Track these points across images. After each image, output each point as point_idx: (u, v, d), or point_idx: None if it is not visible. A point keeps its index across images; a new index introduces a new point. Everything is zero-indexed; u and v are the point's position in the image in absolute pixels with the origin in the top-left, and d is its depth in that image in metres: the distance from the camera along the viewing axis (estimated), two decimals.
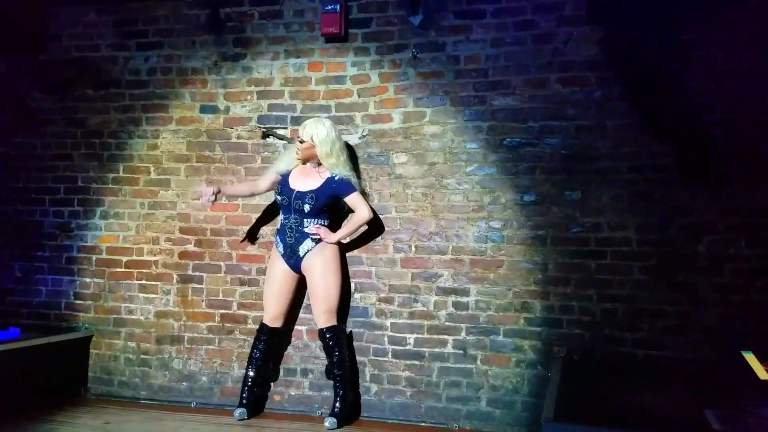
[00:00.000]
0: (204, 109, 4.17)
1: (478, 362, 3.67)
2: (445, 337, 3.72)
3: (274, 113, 4.03)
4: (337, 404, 3.64)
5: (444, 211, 3.76)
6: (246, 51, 4.10)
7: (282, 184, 3.73)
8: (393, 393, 3.79)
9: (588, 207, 3.55)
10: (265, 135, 4.03)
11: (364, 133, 3.90)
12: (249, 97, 4.09)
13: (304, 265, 3.69)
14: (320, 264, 3.67)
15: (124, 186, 4.29)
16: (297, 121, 3.98)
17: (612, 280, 3.50)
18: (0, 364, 3.67)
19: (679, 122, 3.44)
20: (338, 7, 3.83)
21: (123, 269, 4.26)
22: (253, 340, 3.82)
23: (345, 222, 3.82)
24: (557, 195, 3.59)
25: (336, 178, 3.63)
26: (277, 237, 3.78)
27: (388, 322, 3.82)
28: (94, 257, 4.32)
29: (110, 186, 4.32)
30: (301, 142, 3.64)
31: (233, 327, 4.05)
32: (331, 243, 3.70)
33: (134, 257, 4.24)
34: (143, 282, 4.22)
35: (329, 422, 3.58)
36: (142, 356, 4.20)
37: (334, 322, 3.70)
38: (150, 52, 4.26)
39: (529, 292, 3.62)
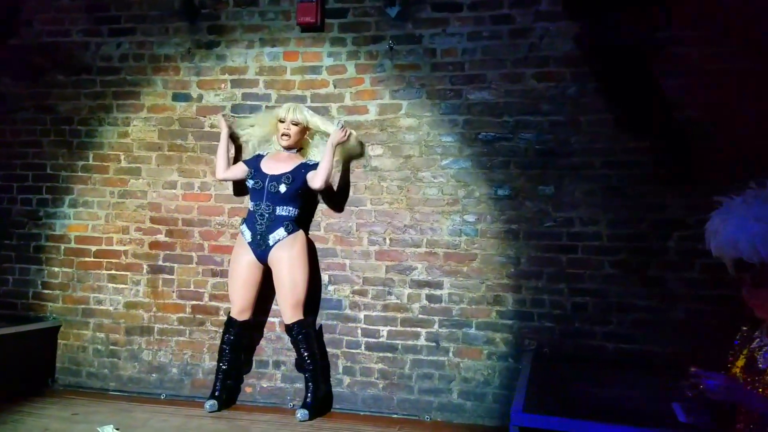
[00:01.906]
0: (176, 97, 4.10)
1: (451, 354, 3.68)
2: (419, 329, 3.73)
3: (249, 102, 3.99)
4: (309, 396, 3.63)
5: (419, 204, 3.76)
6: (220, 39, 4.05)
7: (254, 169, 3.69)
8: (366, 385, 3.79)
9: (561, 202, 3.57)
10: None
11: (340, 125, 3.87)
12: (223, 85, 4.04)
13: (272, 256, 3.62)
14: (288, 256, 3.60)
15: (93, 174, 4.21)
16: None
17: (583, 274, 3.53)
18: None
19: (652, 119, 3.48)
20: None
21: (92, 259, 4.19)
22: (222, 334, 3.77)
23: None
24: (531, 189, 3.62)
25: (310, 163, 3.69)
26: (245, 225, 3.70)
27: (361, 315, 3.82)
28: (62, 246, 4.25)
29: (80, 174, 4.24)
30: (296, 124, 3.66)
31: (204, 318, 4.02)
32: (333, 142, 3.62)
33: (103, 247, 4.18)
34: (113, 272, 4.15)
35: (301, 414, 3.56)
36: (111, 347, 4.14)
37: (301, 316, 3.64)
38: (122, 38, 4.18)
39: (502, 286, 3.64)
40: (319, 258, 3.88)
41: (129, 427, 3.39)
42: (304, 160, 3.71)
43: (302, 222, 3.76)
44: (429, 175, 3.75)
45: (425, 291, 3.73)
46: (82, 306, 4.20)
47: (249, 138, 3.88)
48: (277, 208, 3.62)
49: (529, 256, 3.61)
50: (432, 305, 3.72)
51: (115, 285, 4.15)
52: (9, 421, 3.42)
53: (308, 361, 3.63)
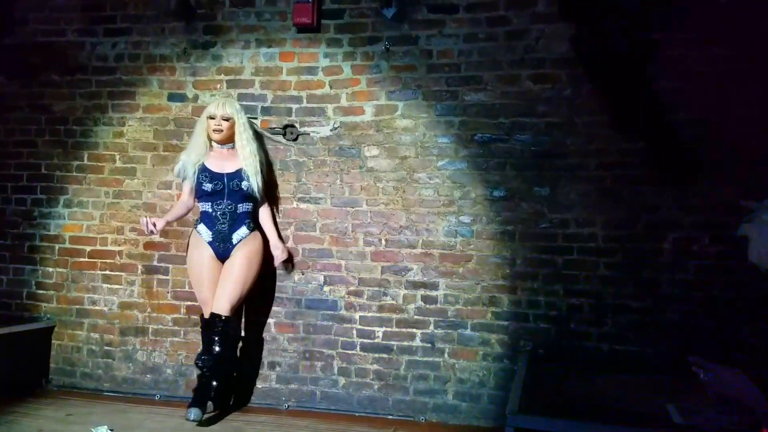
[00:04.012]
0: (172, 97, 4.09)
1: (446, 355, 3.68)
2: (414, 330, 3.73)
3: (244, 103, 3.97)
4: (202, 395, 3.45)
5: (415, 205, 3.76)
6: (216, 39, 4.04)
7: (205, 173, 3.63)
8: (361, 386, 3.79)
9: (556, 203, 3.58)
10: None
11: (336, 126, 3.87)
12: (219, 86, 4.04)
13: (232, 254, 3.61)
14: (246, 253, 3.60)
15: (88, 174, 4.20)
16: (268, 111, 3.95)
17: (578, 276, 3.54)
18: None
19: (646, 121, 3.49)
20: None
21: (87, 259, 4.17)
22: (202, 338, 3.61)
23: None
24: (526, 191, 3.62)
25: (246, 169, 3.67)
26: (202, 226, 3.63)
27: (357, 316, 3.82)
28: (57, 246, 4.23)
29: (74, 174, 4.22)
30: (227, 119, 3.64)
31: (199, 319, 4.00)
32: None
33: (98, 247, 4.16)
34: (107, 272, 4.14)
35: (194, 414, 3.36)
36: (106, 348, 4.13)
37: (231, 313, 3.53)
38: (118, 38, 4.17)
39: (497, 287, 3.65)
40: (314, 259, 3.88)
41: (124, 428, 3.38)
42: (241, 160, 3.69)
43: (254, 219, 3.74)
44: (425, 176, 3.76)
45: (421, 292, 3.74)
46: (77, 306, 4.18)
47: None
48: (239, 205, 3.63)
49: (524, 258, 3.62)
50: (427, 306, 3.72)
51: (109, 285, 4.14)
52: (3, 421, 3.40)
53: (215, 360, 3.48)
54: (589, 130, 3.55)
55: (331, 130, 3.88)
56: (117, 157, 4.16)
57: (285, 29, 3.94)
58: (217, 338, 3.51)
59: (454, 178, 3.72)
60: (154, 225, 3.50)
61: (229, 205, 3.61)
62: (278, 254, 3.74)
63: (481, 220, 3.68)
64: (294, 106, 3.92)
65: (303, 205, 3.91)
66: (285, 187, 3.93)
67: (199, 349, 3.60)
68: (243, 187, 3.61)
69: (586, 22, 3.56)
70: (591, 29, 3.55)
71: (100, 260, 4.15)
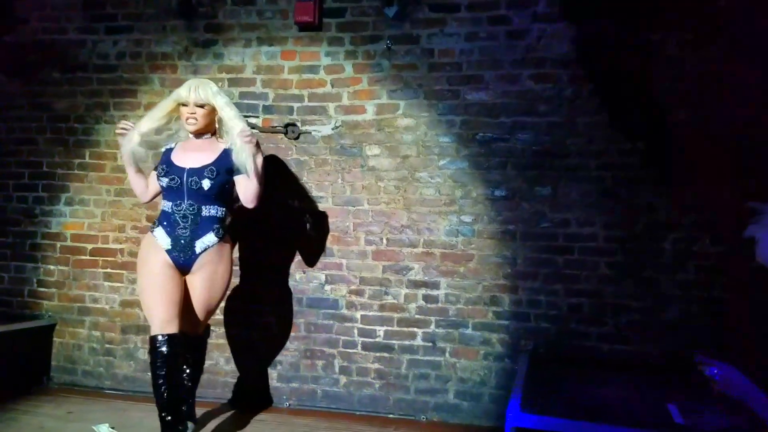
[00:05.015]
0: None
1: (447, 355, 3.69)
2: (415, 329, 3.74)
3: (246, 101, 3.98)
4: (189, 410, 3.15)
5: (416, 204, 3.77)
6: (217, 37, 4.04)
7: (166, 164, 3.07)
8: (362, 385, 3.79)
9: (557, 203, 3.59)
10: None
11: (337, 125, 3.87)
12: (220, 84, 4.01)
13: (197, 265, 3.02)
14: (214, 268, 3.04)
15: (90, 172, 4.20)
16: (269, 110, 3.95)
17: (579, 275, 3.55)
18: None
19: (646, 121, 3.50)
20: None
21: (88, 257, 4.18)
22: (150, 362, 2.93)
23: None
24: (527, 190, 3.63)
25: (233, 151, 3.06)
26: (160, 229, 3.03)
27: (358, 315, 3.82)
28: (58, 244, 4.23)
29: (76, 172, 4.22)
30: (201, 107, 3.04)
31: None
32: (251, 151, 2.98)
33: (99, 245, 4.17)
34: (108, 270, 4.14)
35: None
36: (107, 345, 4.13)
37: (202, 331, 3.23)
38: (119, 36, 4.17)
39: (498, 286, 3.65)
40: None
41: (124, 426, 3.39)
42: (226, 146, 3.09)
43: (225, 224, 3.15)
44: (426, 175, 3.76)
45: (422, 291, 3.74)
46: (78, 304, 4.19)
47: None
48: (203, 208, 3.02)
49: (525, 257, 3.62)
50: (429, 305, 3.73)
51: (110, 283, 4.14)
52: (4, 419, 3.42)
53: (195, 376, 3.19)
54: (590, 130, 3.55)
55: (332, 129, 3.88)
56: (118, 155, 4.14)
57: (286, 28, 3.94)
58: (189, 360, 3.07)
59: (455, 178, 3.72)
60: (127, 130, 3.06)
61: (190, 206, 3.00)
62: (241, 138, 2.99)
63: (482, 219, 3.68)
64: (295, 105, 3.92)
65: None
66: (286, 186, 3.93)
67: (161, 386, 2.90)
68: (204, 186, 2.98)
69: (587, 22, 3.56)
70: (592, 29, 3.55)
71: (101, 258, 4.16)
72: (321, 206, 3.88)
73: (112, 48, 4.18)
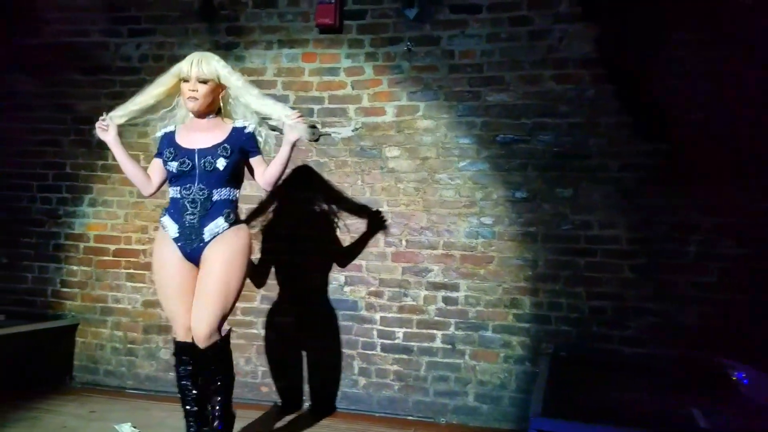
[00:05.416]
0: None
1: (467, 357, 3.67)
2: (434, 331, 3.73)
3: None
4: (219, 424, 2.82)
5: (435, 206, 3.75)
6: (239, 40, 4.06)
7: (173, 147, 2.84)
8: (381, 386, 3.79)
9: (579, 205, 3.55)
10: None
11: (357, 126, 3.88)
12: None
13: (206, 254, 2.77)
14: (226, 254, 2.75)
15: (113, 174, 4.24)
16: None
17: (601, 278, 3.51)
18: None
19: (668, 121, 3.45)
20: None
21: (111, 258, 4.22)
22: (174, 366, 2.88)
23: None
24: (549, 192, 3.60)
25: (246, 130, 2.85)
26: (167, 217, 2.84)
27: (377, 316, 3.82)
28: (81, 245, 4.28)
29: (99, 173, 4.27)
30: (204, 82, 2.76)
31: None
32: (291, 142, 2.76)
33: (122, 246, 4.21)
34: (131, 271, 4.18)
35: None
36: (129, 345, 4.17)
37: (218, 336, 2.76)
38: (142, 38, 4.21)
39: (519, 289, 3.63)
40: None
41: (146, 426, 3.42)
42: (235, 124, 2.86)
43: (236, 209, 2.93)
44: (446, 177, 3.75)
45: (441, 293, 3.73)
46: (101, 304, 4.23)
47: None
48: (214, 191, 2.78)
49: (546, 259, 3.59)
50: (448, 307, 3.71)
51: (133, 284, 4.18)
52: (27, 418, 3.46)
53: (221, 391, 2.81)
54: (612, 130, 3.52)
55: (352, 131, 3.89)
56: (141, 156, 4.17)
57: (307, 30, 3.95)
58: (210, 368, 2.78)
59: (475, 179, 3.71)
60: (107, 124, 2.93)
61: (200, 190, 2.77)
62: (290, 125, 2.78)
63: (502, 221, 3.66)
64: (316, 107, 3.93)
65: None
66: (307, 187, 3.94)
67: (181, 389, 2.84)
68: (219, 166, 2.76)
69: (609, 23, 3.53)
70: (614, 29, 3.52)
71: (124, 259, 4.20)
72: (341, 207, 3.87)
73: (135, 50, 4.22)
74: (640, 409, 2.71)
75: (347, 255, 3.86)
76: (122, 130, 4.22)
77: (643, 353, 3.43)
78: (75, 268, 4.29)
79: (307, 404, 3.86)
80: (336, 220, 3.88)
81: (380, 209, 3.81)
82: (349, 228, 3.86)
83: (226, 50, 4.07)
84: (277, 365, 3.94)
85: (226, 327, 2.83)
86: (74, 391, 4.07)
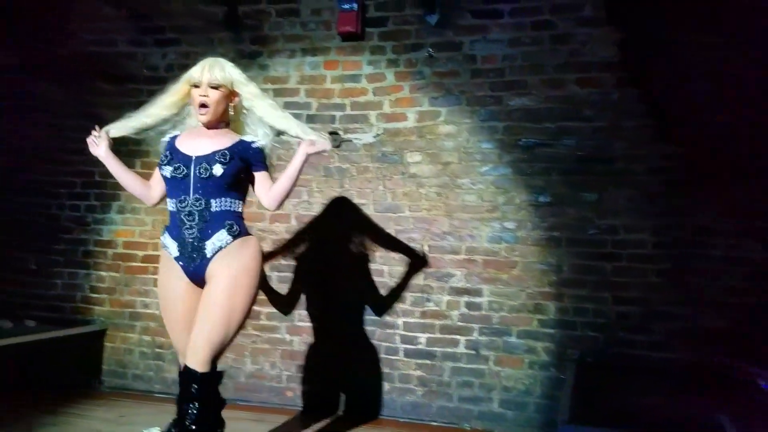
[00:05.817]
0: None
1: (491, 363, 3.66)
2: (457, 337, 3.72)
3: (290, 111, 3.99)
4: None
5: (457, 210, 3.75)
6: (263, 49, 4.11)
7: (170, 151, 2.63)
8: (404, 392, 3.79)
9: (604, 209, 3.53)
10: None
11: (379, 132, 3.90)
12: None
13: (209, 271, 2.52)
14: (231, 270, 2.49)
15: None
16: (312, 119, 3.98)
17: (627, 283, 3.48)
18: (15, 356, 3.72)
19: (694, 124, 3.41)
20: (355, 5, 3.82)
21: (139, 264, 4.29)
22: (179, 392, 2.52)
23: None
24: (572, 196, 3.58)
25: (254, 144, 2.62)
26: (167, 235, 2.61)
27: (400, 321, 3.82)
28: (110, 251, 4.35)
29: None
30: (216, 87, 2.55)
31: (246, 322, 4.05)
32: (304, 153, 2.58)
33: (150, 252, 4.26)
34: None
35: None
36: (157, 350, 4.22)
37: (209, 366, 2.44)
38: (167, 48, 4.28)
39: (543, 294, 3.61)
40: None
41: None
42: (244, 137, 2.63)
43: (240, 223, 2.62)
44: (468, 181, 3.75)
45: (464, 298, 3.72)
46: (129, 310, 4.30)
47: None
48: (212, 201, 2.52)
49: (571, 264, 3.57)
50: (471, 313, 3.71)
51: None
52: (57, 422, 3.51)
53: (196, 422, 2.42)
54: (636, 134, 3.49)
55: (373, 137, 3.91)
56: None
57: (329, 38, 3.98)
58: (192, 406, 2.42)
59: (497, 184, 3.70)
60: (100, 138, 2.80)
61: (196, 200, 2.51)
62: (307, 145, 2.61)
63: (525, 226, 3.65)
64: (338, 114, 3.96)
65: None
66: (328, 193, 3.97)
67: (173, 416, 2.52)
68: (215, 173, 2.49)
69: (633, 26, 3.50)
70: (638, 33, 3.49)
71: (151, 265, 4.24)
72: (362, 213, 3.89)
73: (161, 60, 4.29)
74: (667, 415, 2.68)
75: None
76: (149, 139, 4.29)
77: (669, 358, 3.39)
78: (104, 274, 4.37)
79: (340, 410, 3.85)
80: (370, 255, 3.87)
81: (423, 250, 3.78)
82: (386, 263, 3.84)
83: (250, 59, 4.12)
84: (302, 370, 3.96)
85: (221, 366, 2.57)
86: (103, 395, 4.14)
